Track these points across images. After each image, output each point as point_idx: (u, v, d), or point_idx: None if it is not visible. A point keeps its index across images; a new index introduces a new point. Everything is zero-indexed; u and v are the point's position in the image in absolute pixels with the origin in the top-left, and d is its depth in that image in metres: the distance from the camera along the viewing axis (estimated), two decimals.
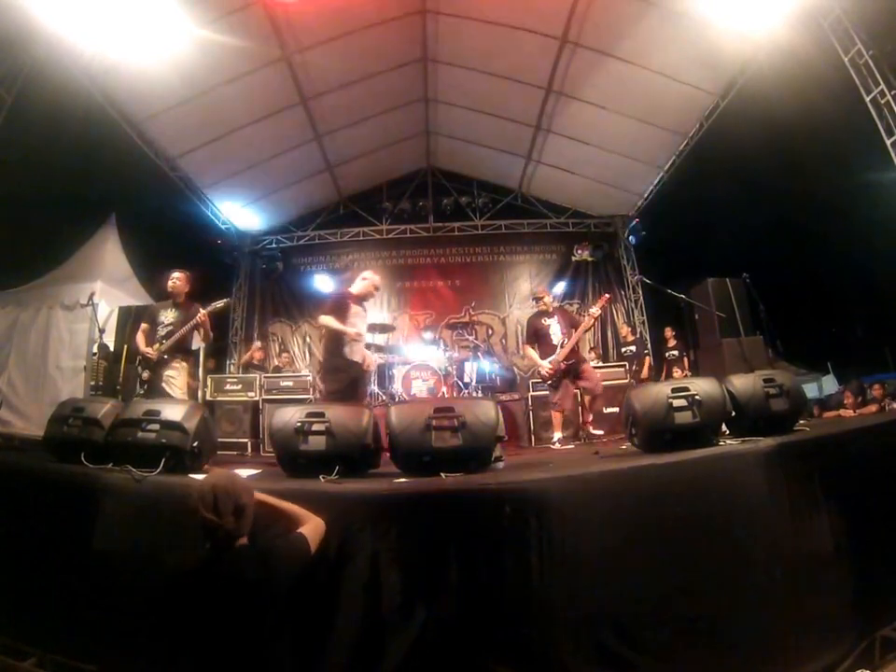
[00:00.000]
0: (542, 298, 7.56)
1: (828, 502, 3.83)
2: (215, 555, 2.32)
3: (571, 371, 7.15)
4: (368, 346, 10.07)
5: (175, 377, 6.07)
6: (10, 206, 7.81)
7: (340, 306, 6.03)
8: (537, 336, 7.43)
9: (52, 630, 3.68)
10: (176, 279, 6.33)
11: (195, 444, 4.16)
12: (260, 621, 2.30)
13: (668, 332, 10.96)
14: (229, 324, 13.03)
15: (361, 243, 13.70)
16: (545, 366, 7.15)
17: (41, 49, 6.96)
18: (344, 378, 5.92)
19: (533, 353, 7.44)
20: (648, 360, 11.16)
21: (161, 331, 6.13)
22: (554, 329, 7.28)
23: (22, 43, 6.80)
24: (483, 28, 9.06)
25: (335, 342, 5.97)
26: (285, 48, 8.79)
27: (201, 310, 6.11)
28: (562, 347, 7.13)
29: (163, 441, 4.07)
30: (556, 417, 7.42)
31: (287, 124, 10.54)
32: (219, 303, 6.33)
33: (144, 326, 6.25)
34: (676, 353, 10.63)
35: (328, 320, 5.92)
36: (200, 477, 2.75)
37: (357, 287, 6.30)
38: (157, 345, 6.02)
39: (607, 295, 7.88)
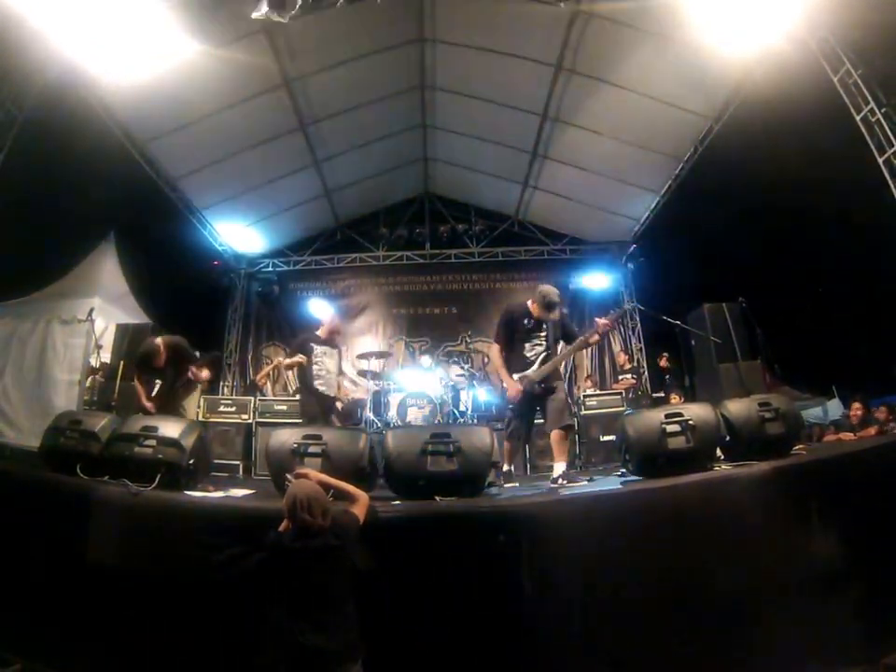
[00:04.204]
0: (544, 296, 5.51)
1: (825, 527, 3.82)
2: (309, 536, 2.96)
3: (541, 397, 5.53)
4: (363, 373, 10.23)
5: (188, 402, 6.28)
6: (13, 219, 7.85)
7: (302, 349, 6.95)
8: (509, 336, 5.72)
9: (38, 640, 3.67)
10: (160, 354, 6.21)
11: (191, 462, 4.20)
12: (342, 570, 3.00)
13: (664, 360, 10.99)
14: (223, 346, 13.02)
15: (358, 269, 13.68)
16: (512, 386, 5.47)
17: (52, 70, 7.08)
18: (315, 409, 6.71)
19: (498, 358, 5.75)
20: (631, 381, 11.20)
21: (157, 385, 6.25)
22: (537, 336, 5.64)
23: (34, 63, 6.91)
24: (479, 56, 9.19)
25: (301, 379, 7.00)
26: (285, 74, 8.90)
27: (192, 369, 6.25)
28: (542, 364, 5.51)
29: (160, 456, 4.09)
30: (506, 446, 5.77)
31: (287, 149, 10.64)
32: (205, 370, 6.56)
33: (138, 375, 6.31)
34: (670, 378, 10.63)
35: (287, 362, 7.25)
36: (296, 482, 3.19)
37: (321, 331, 7.11)
38: (154, 403, 6.10)
39: (620, 309, 6.75)
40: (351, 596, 3.00)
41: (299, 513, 2.96)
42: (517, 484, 5.57)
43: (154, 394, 6.22)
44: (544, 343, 5.62)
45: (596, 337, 5.72)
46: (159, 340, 6.19)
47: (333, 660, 2.81)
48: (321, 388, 6.77)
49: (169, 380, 6.22)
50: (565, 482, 5.07)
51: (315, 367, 6.77)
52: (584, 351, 13.08)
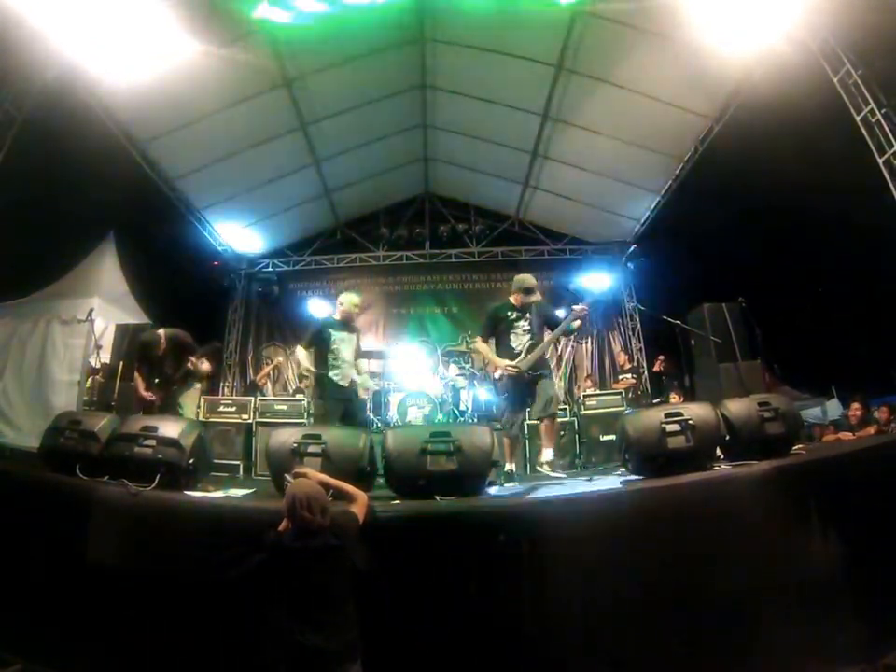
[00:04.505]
0: (520, 282, 5.93)
1: (825, 526, 3.81)
2: (309, 535, 2.96)
3: (530, 385, 5.73)
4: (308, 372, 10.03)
5: (187, 401, 6.19)
6: (13, 220, 7.85)
7: (317, 336, 6.26)
8: (495, 329, 5.98)
9: (38, 640, 3.67)
10: (158, 344, 6.23)
11: (190, 462, 4.20)
12: (342, 570, 2.98)
13: (658, 364, 11.03)
14: (223, 346, 13.00)
15: (358, 269, 13.69)
16: (507, 364, 5.64)
17: (51, 70, 7.09)
18: (332, 403, 6.09)
19: (485, 347, 6.00)
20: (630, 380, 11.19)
21: (156, 375, 6.21)
22: (520, 326, 5.85)
23: (34, 65, 6.92)
24: (480, 56, 9.20)
25: (318, 369, 6.18)
26: (286, 74, 8.92)
27: (191, 359, 6.18)
28: (528, 352, 5.70)
29: (159, 456, 4.09)
30: (506, 442, 5.87)
31: (287, 149, 10.65)
32: (205, 363, 6.44)
33: (138, 367, 6.28)
34: (666, 379, 10.64)
35: (300, 355, 6.35)
36: (295, 482, 3.23)
37: (336, 314, 6.45)
38: (155, 392, 6.08)
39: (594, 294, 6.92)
40: (351, 596, 2.99)
41: (298, 511, 2.96)
42: (517, 484, 5.53)
43: (154, 385, 6.20)
44: (529, 332, 5.83)
45: (577, 322, 5.92)
46: (160, 331, 6.21)
47: (333, 660, 2.80)
48: (336, 379, 6.11)
49: (169, 370, 6.21)
50: (548, 468, 5.52)
51: (330, 356, 6.14)
52: (584, 351, 13.16)
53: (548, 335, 5.97)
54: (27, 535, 3.86)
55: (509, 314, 5.90)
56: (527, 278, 5.95)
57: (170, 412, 6.09)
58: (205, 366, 6.39)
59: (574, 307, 5.87)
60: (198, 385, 6.52)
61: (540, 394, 5.66)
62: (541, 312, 6.00)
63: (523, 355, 5.71)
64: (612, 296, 13.33)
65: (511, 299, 5.98)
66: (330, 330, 6.23)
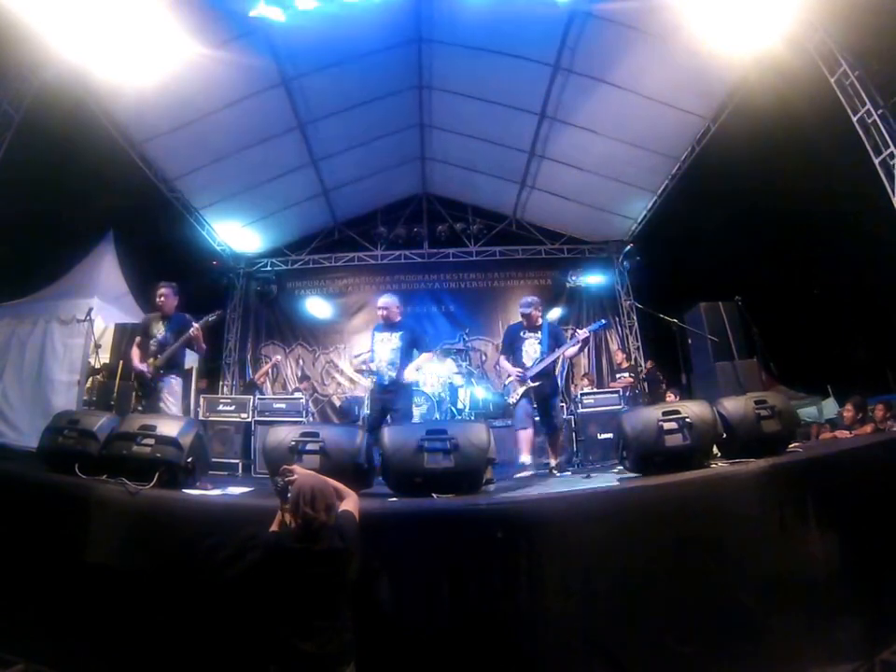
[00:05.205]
0: (529, 309, 6.61)
1: (822, 524, 3.81)
2: (312, 536, 2.88)
3: (537, 395, 6.40)
4: (361, 371, 10.13)
5: (171, 394, 6.07)
6: (12, 220, 7.85)
7: (371, 341, 6.75)
8: (511, 348, 6.67)
9: (39, 640, 3.67)
10: (163, 294, 6.29)
11: (189, 460, 4.19)
12: (345, 573, 2.93)
13: (644, 370, 11.09)
14: (222, 345, 13.04)
15: (356, 268, 13.74)
16: (516, 371, 6.39)
17: (49, 71, 7.09)
18: (371, 400, 6.86)
19: (504, 362, 6.75)
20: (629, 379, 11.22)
21: (154, 346, 6.13)
22: (531, 345, 6.52)
23: (31, 65, 6.93)
24: (477, 55, 9.21)
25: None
26: (283, 73, 8.92)
27: (194, 324, 6.10)
28: (535, 364, 6.37)
29: (158, 455, 4.08)
30: (520, 437, 6.37)
31: (284, 148, 10.64)
32: (212, 316, 6.36)
33: (137, 339, 6.26)
34: (653, 384, 10.69)
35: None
36: (303, 472, 3.24)
37: (380, 314, 6.70)
38: (151, 360, 6.02)
39: (603, 321, 7.36)
40: (349, 599, 2.95)
41: (301, 507, 2.88)
42: (529, 473, 5.97)
43: (152, 351, 6.10)
44: (539, 349, 6.48)
45: (573, 349, 6.77)
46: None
47: (329, 664, 2.79)
48: (376, 378, 6.45)
49: (169, 336, 6.11)
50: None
51: (373, 355, 6.53)
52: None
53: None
54: (27, 535, 3.85)
55: (521, 333, 6.61)
56: (521, 304, 6.79)
57: (158, 388, 5.97)
58: (204, 346, 6.25)
59: (578, 331, 6.72)
60: (179, 379, 6.28)
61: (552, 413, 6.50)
62: (553, 333, 6.65)
63: (532, 367, 6.38)
64: (609, 295, 13.37)
65: (521, 318, 6.72)
66: (375, 333, 6.65)
